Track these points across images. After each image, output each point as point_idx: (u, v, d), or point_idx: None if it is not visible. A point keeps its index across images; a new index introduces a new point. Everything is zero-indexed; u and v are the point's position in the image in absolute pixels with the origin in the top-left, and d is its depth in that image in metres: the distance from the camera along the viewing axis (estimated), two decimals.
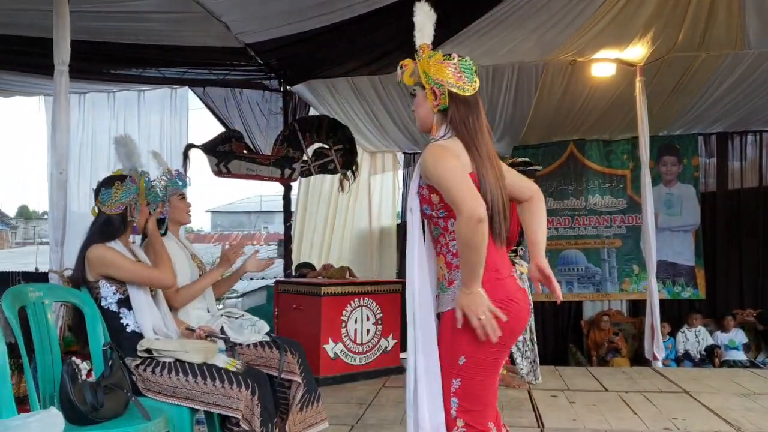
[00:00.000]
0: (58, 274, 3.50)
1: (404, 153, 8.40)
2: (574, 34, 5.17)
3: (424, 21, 2.18)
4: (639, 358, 7.37)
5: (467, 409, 2.03)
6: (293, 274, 6.53)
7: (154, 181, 2.95)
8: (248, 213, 27.27)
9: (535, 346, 5.21)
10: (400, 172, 8.43)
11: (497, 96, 6.34)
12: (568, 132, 7.81)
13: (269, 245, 16.50)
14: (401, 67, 2.21)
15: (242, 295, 9.64)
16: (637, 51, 5.48)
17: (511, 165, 4.98)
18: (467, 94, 2.08)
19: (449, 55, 2.10)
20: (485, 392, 2.05)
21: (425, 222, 2.15)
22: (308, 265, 6.50)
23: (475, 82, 2.10)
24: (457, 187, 1.94)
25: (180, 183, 3.17)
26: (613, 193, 8.09)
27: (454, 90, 2.06)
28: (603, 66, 5.80)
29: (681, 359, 7.25)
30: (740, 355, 7.20)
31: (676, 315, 7.61)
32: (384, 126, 7.19)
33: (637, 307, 7.97)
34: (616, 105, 6.76)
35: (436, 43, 5.35)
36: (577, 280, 8.13)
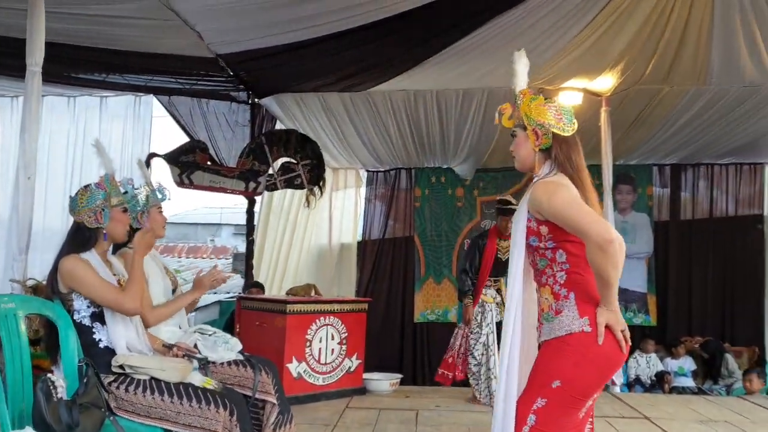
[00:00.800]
0: (20, 284, 3.33)
1: (368, 171, 8.38)
2: (547, 63, 5.27)
3: (521, 69, 2.40)
4: None
5: (540, 431, 2.06)
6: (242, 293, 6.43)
7: (137, 189, 2.85)
8: (194, 225, 26.72)
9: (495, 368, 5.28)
10: (363, 190, 8.40)
11: (465, 118, 6.40)
12: None
13: (218, 259, 16.19)
14: (500, 112, 2.38)
15: (194, 310, 9.38)
16: (606, 82, 5.63)
17: (497, 204, 5.13)
18: (567, 134, 2.21)
19: (550, 98, 2.26)
20: (565, 422, 2.08)
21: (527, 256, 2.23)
22: (258, 285, 6.36)
23: (574, 123, 2.24)
24: (580, 214, 2.05)
25: (161, 195, 3.08)
26: None
27: (555, 130, 2.19)
28: (570, 95, 5.91)
29: (632, 384, 7.39)
30: (689, 382, 7.39)
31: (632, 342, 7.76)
32: (350, 143, 7.17)
33: None
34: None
35: (414, 63, 5.39)
36: None
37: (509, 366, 2.17)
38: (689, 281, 8.13)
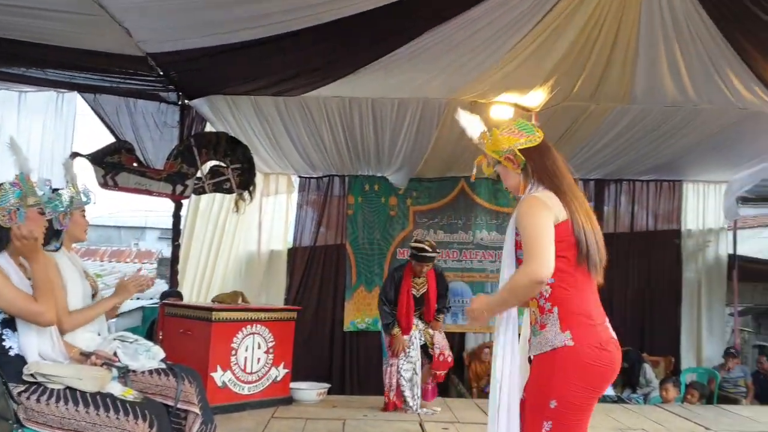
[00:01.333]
0: None
1: (300, 177, 8.29)
2: (481, 76, 5.35)
3: (467, 124, 2.48)
4: None
5: None
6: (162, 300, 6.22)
7: (60, 190, 2.71)
8: (118, 228, 25.83)
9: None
10: (294, 196, 8.29)
11: (400, 128, 6.41)
12: (461, 169, 8.04)
13: (143, 263, 15.69)
14: (478, 167, 2.52)
15: (115, 317, 9.03)
16: (537, 97, 5.75)
17: (411, 248, 5.24)
18: (535, 144, 2.28)
19: (498, 127, 2.35)
20: None
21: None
22: (176, 294, 6.18)
23: (537, 132, 2.32)
24: (536, 241, 2.10)
25: (85, 199, 2.95)
26: (500, 230, 8.37)
27: (523, 146, 2.27)
28: (501, 109, 6.00)
29: None
30: (609, 391, 7.60)
31: None
32: (283, 148, 7.07)
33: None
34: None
35: (350, 70, 5.36)
36: (462, 312, 8.31)
37: (508, 379, 2.23)
38: (610, 293, 8.39)
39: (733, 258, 8.58)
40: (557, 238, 2.12)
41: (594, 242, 2.16)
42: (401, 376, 5.29)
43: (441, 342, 5.56)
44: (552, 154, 2.29)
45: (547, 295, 2.18)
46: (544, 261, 2.07)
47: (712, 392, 7.63)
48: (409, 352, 5.37)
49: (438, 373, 5.47)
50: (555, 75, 5.35)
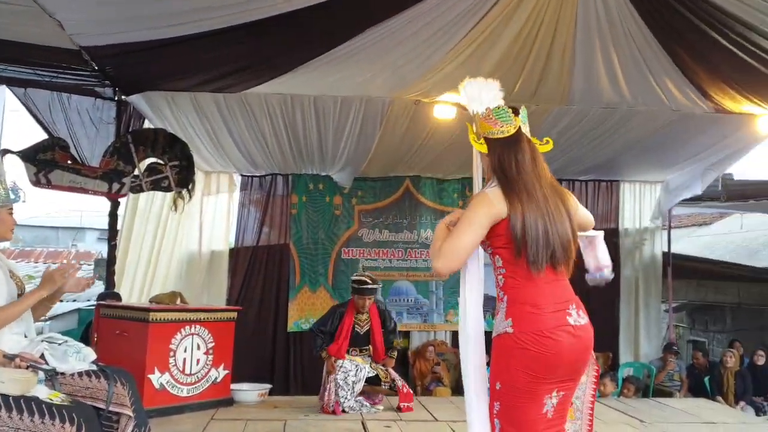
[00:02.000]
0: None
1: (242, 175, 8.17)
2: (423, 75, 5.38)
3: (472, 96, 2.45)
4: (460, 387, 7.68)
5: (516, 426, 2.19)
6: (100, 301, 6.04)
7: None
8: (55, 228, 24.99)
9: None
10: (236, 195, 8.17)
11: (343, 126, 6.39)
12: (406, 168, 8.08)
13: (80, 264, 15.22)
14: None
15: (49, 319, 8.74)
16: None
17: (352, 282, 5.49)
18: (505, 135, 2.31)
19: (486, 110, 2.36)
20: (525, 419, 2.19)
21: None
22: (114, 295, 6.03)
23: (513, 121, 2.32)
24: (455, 240, 2.22)
25: (13, 196, 2.83)
26: None
27: (494, 136, 2.32)
28: (444, 108, 6.05)
29: None
30: None
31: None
32: (224, 146, 6.95)
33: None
34: (451, 146, 7.10)
35: (291, 66, 5.31)
36: (407, 311, 8.35)
37: (473, 367, 2.38)
38: None
39: (667, 256, 8.86)
40: (498, 233, 2.24)
41: (537, 237, 2.20)
42: (339, 386, 5.25)
43: (396, 375, 5.60)
44: (517, 149, 2.29)
45: (501, 284, 2.29)
46: (448, 261, 2.24)
47: (648, 386, 7.88)
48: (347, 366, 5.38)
49: (407, 405, 5.46)
50: (495, 75, 5.34)
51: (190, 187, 5.90)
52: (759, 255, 11.14)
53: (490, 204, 2.22)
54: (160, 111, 6.12)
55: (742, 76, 5.35)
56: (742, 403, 7.34)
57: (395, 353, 5.77)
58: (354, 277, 5.68)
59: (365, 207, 8.35)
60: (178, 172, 5.86)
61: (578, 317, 2.24)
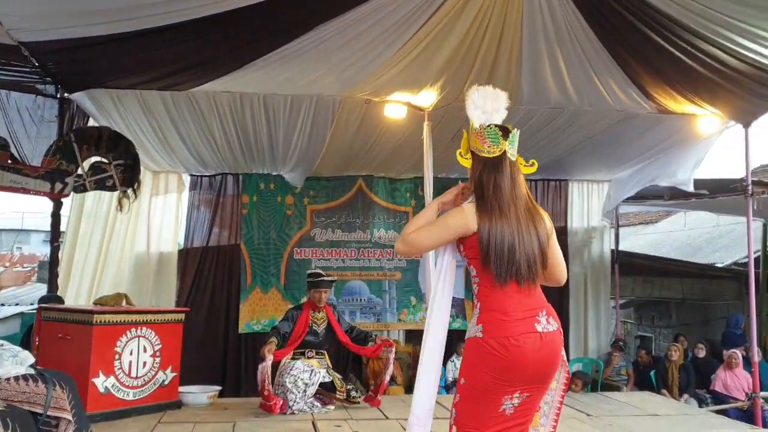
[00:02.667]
0: None
1: (191, 175, 8.05)
2: (373, 74, 5.37)
3: (476, 104, 2.54)
4: (413, 386, 7.71)
5: (461, 423, 2.40)
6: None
7: None
8: None
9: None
10: (185, 195, 8.04)
11: (294, 125, 6.34)
12: (359, 168, 8.07)
13: (23, 266, 14.78)
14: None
15: None
16: (428, 97, 5.84)
17: (307, 276, 5.54)
18: (490, 156, 2.46)
19: (480, 126, 2.50)
20: (479, 416, 2.36)
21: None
22: (56, 299, 5.86)
23: (500, 144, 2.46)
24: (426, 236, 2.47)
25: None
26: (397, 228, 8.48)
27: (481, 154, 2.47)
28: (395, 107, 6.07)
29: (450, 386, 7.72)
30: None
31: (447, 344, 8.04)
32: (172, 146, 6.82)
33: (413, 336, 8.38)
34: (403, 146, 7.13)
35: (240, 64, 5.24)
36: (360, 311, 8.34)
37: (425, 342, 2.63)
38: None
39: (615, 253, 9.07)
40: (471, 244, 2.43)
41: (502, 253, 2.36)
42: (288, 390, 5.20)
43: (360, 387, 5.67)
44: (498, 171, 2.44)
45: (476, 292, 2.48)
46: (408, 249, 2.55)
47: (596, 380, 8.05)
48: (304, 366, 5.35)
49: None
50: (444, 75, 5.45)
51: (135, 186, 5.76)
52: (702, 252, 11.52)
53: (464, 217, 2.42)
54: (105, 109, 5.98)
55: (682, 77, 5.51)
56: (685, 396, 7.55)
57: (376, 339, 5.73)
58: (309, 272, 5.71)
59: (317, 207, 8.31)
60: (123, 171, 5.72)
61: (547, 324, 2.38)
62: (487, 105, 2.53)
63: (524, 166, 2.55)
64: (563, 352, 2.49)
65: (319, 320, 5.63)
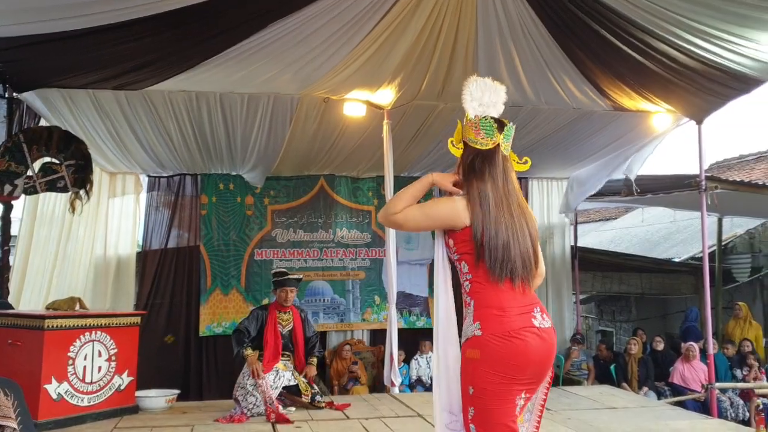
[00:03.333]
0: None
1: (148, 176, 7.92)
2: (329, 72, 5.34)
3: (471, 96, 2.45)
4: (377, 385, 7.72)
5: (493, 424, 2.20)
6: None
7: None
8: None
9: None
10: (143, 196, 7.90)
11: (252, 124, 6.28)
12: (320, 167, 8.03)
13: None
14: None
15: None
16: (386, 95, 5.83)
17: (272, 276, 5.43)
18: (483, 148, 2.36)
19: (476, 116, 2.41)
20: (499, 421, 2.20)
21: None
22: (6, 306, 5.69)
23: (495, 137, 2.36)
24: (418, 212, 2.35)
25: None
26: (359, 228, 8.46)
27: (473, 145, 2.38)
28: (354, 106, 6.05)
29: (414, 384, 7.73)
30: None
31: (411, 343, 8.10)
32: (128, 146, 6.70)
33: (376, 336, 8.38)
34: (364, 145, 7.11)
35: (195, 62, 5.14)
36: (323, 311, 8.31)
37: (440, 374, 2.39)
38: None
39: (574, 249, 9.19)
40: (463, 239, 2.32)
41: (496, 248, 2.26)
42: (249, 393, 5.13)
43: (318, 392, 5.56)
44: (491, 163, 2.35)
45: (468, 290, 2.33)
46: (392, 221, 2.37)
47: (557, 375, 8.13)
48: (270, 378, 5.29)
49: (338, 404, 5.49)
50: (401, 73, 5.44)
51: (87, 187, 5.61)
52: (660, 247, 11.74)
53: (454, 209, 2.32)
54: (57, 109, 5.85)
55: (635, 74, 5.59)
56: (645, 389, 7.67)
57: (315, 360, 5.72)
58: (274, 271, 5.62)
59: (278, 207, 8.25)
60: (74, 171, 5.58)
61: (542, 320, 2.29)
62: (484, 97, 2.44)
63: (517, 163, 2.46)
64: None
65: (285, 321, 5.57)
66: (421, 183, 2.43)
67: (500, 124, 2.40)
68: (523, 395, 2.25)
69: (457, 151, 2.43)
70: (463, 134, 2.43)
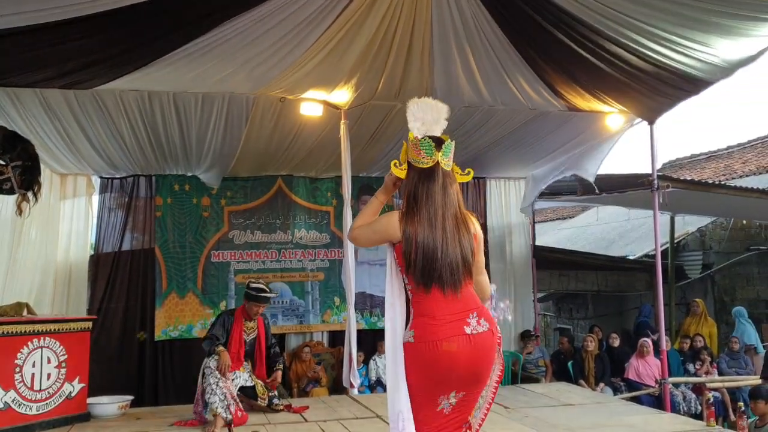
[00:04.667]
0: None
1: (101, 177, 7.74)
2: (284, 72, 5.29)
3: (414, 116, 2.59)
4: (337, 387, 7.68)
5: (416, 420, 2.45)
6: None
7: None
8: None
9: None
10: (95, 198, 7.71)
11: (207, 124, 6.17)
12: (277, 167, 7.96)
13: None
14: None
15: None
16: (343, 95, 5.81)
17: (248, 289, 5.43)
18: (425, 166, 2.50)
19: (416, 138, 2.55)
20: (422, 414, 2.45)
21: None
22: None
23: (434, 155, 2.50)
24: (365, 229, 2.59)
25: None
26: (318, 228, 8.41)
27: (417, 165, 2.52)
28: (310, 106, 6.00)
29: (374, 385, 7.71)
30: None
31: (370, 344, 8.08)
32: (78, 147, 6.52)
33: (336, 338, 8.33)
34: (322, 145, 7.06)
35: (146, 61, 5.01)
36: (282, 313, 8.23)
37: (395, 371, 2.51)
38: None
39: (532, 248, 9.28)
40: (398, 252, 2.51)
41: (422, 259, 2.43)
42: (212, 392, 5.01)
43: (276, 396, 5.54)
44: (431, 180, 2.49)
45: (410, 300, 2.54)
46: (352, 238, 2.66)
47: (515, 373, 8.21)
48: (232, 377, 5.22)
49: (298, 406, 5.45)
50: (357, 73, 5.42)
51: (36, 189, 5.44)
52: (615, 245, 11.96)
53: (388, 224, 2.52)
54: (2, 109, 5.66)
55: (587, 75, 5.68)
56: (601, 385, 7.79)
57: (281, 365, 5.71)
58: (252, 284, 5.53)
59: (235, 208, 8.15)
60: (21, 173, 5.38)
61: (477, 325, 2.44)
62: (426, 116, 2.58)
63: (460, 175, 2.61)
64: (499, 349, 2.55)
65: (250, 329, 5.53)
66: (372, 204, 2.65)
67: (438, 142, 2.53)
68: (452, 395, 2.44)
69: (400, 172, 2.56)
70: (406, 158, 2.57)
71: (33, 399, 4.73)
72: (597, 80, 5.82)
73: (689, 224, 11.19)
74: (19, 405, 4.64)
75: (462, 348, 2.38)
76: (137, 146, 6.67)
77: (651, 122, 6.59)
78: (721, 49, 5.04)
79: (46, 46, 4.75)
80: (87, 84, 5.34)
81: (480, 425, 2.59)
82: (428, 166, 2.50)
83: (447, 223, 2.46)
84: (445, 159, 2.54)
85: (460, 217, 2.51)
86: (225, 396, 4.89)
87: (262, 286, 5.50)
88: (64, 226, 7.49)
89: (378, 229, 2.55)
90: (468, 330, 2.40)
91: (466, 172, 2.65)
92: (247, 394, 5.36)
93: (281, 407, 5.35)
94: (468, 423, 2.53)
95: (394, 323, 2.56)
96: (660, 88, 5.83)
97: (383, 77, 5.52)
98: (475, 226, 2.57)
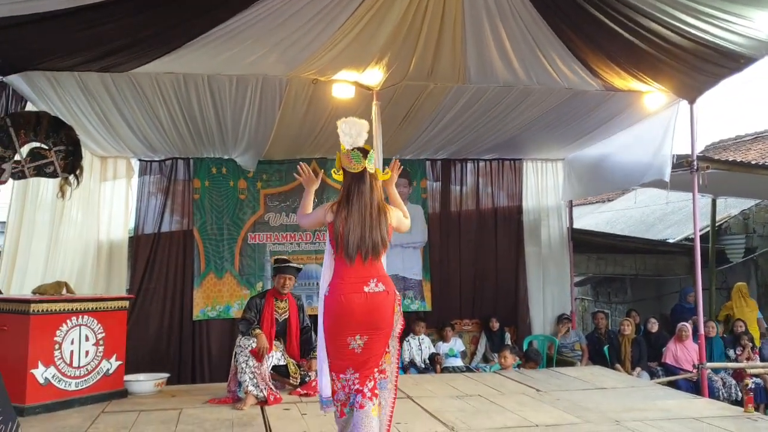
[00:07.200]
0: None
1: (140, 160, 7.89)
2: (315, 53, 5.27)
3: (345, 132, 3.52)
4: None
5: (329, 355, 3.39)
6: None
7: None
8: None
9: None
10: (135, 180, 7.87)
11: (241, 107, 6.21)
12: (311, 150, 7.98)
13: None
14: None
15: None
16: (374, 76, 5.77)
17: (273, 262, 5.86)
18: (355, 171, 3.41)
19: (347, 150, 3.47)
20: (335, 350, 3.34)
21: None
22: None
23: (362, 163, 3.40)
24: (306, 215, 3.65)
25: None
26: None
27: (349, 170, 3.43)
28: (343, 88, 5.98)
29: (407, 367, 7.74)
30: (458, 362, 7.91)
31: (405, 326, 8.08)
32: (117, 130, 6.65)
33: None
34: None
35: (179, 43, 5.05)
36: (317, 294, 8.26)
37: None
38: (459, 269, 8.72)
39: (570, 231, 9.15)
40: (330, 230, 3.42)
41: (351, 240, 3.31)
42: (242, 371, 5.08)
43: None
44: (360, 182, 3.39)
45: (333, 266, 3.44)
46: (298, 222, 3.88)
47: (551, 357, 8.14)
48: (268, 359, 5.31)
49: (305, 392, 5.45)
50: (388, 53, 5.37)
51: (77, 173, 5.58)
52: (655, 228, 11.72)
53: (323, 211, 3.46)
54: (43, 92, 5.79)
55: (624, 53, 5.52)
56: (638, 369, 7.68)
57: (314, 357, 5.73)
58: (275, 257, 5.69)
59: (271, 190, 8.23)
60: (63, 157, 5.54)
61: (375, 287, 3.31)
62: (352, 131, 3.46)
63: (382, 174, 3.53)
64: (398, 308, 3.40)
65: (281, 309, 5.61)
66: (307, 196, 3.74)
67: (364, 152, 3.42)
68: (357, 337, 3.26)
69: (339, 177, 3.46)
70: (341, 165, 3.45)
71: (72, 375, 4.88)
72: (634, 58, 5.65)
73: (732, 207, 10.88)
74: (59, 381, 4.79)
75: (359, 301, 3.25)
76: (174, 129, 6.76)
77: (692, 101, 6.39)
78: (764, 23, 4.85)
79: (77, 30, 4.81)
80: (122, 67, 5.42)
81: (396, 380, 3.49)
82: (357, 171, 3.37)
83: (372, 212, 3.32)
84: (370, 164, 3.39)
85: (381, 208, 3.37)
86: (254, 375, 4.98)
87: (285, 257, 5.69)
88: (104, 208, 7.66)
89: (314, 217, 3.54)
90: (366, 289, 3.27)
91: (385, 172, 3.59)
92: (280, 372, 5.44)
93: (314, 383, 5.42)
94: (381, 368, 3.33)
95: (325, 283, 3.44)
96: (700, 66, 5.64)
97: (414, 57, 5.47)
98: (391, 215, 3.41)
